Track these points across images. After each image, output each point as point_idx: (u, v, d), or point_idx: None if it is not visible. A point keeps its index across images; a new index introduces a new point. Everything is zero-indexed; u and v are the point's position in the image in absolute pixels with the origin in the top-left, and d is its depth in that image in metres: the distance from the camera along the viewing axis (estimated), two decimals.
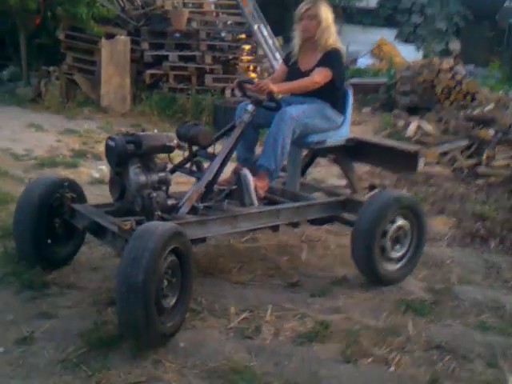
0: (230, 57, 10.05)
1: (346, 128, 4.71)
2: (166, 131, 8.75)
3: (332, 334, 3.59)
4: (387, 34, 18.36)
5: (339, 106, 4.62)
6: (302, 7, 4.50)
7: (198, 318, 3.65)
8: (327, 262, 4.72)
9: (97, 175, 6.58)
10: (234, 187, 4.02)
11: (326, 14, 4.50)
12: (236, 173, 4.07)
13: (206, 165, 4.15)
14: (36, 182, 4.05)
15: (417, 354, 3.47)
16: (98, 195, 5.60)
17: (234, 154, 4.42)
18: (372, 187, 5.65)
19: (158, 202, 3.60)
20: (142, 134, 3.72)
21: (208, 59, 9.79)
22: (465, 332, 3.77)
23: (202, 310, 3.76)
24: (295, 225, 4.52)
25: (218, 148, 4.18)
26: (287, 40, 14.99)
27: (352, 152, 4.84)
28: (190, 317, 3.59)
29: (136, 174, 3.63)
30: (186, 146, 4.18)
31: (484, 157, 7.57)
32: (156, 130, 8.85)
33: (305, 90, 4.40)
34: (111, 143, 3.62)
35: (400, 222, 4.27)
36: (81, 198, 4.07)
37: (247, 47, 10.14)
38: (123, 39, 9.77)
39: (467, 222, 5.81)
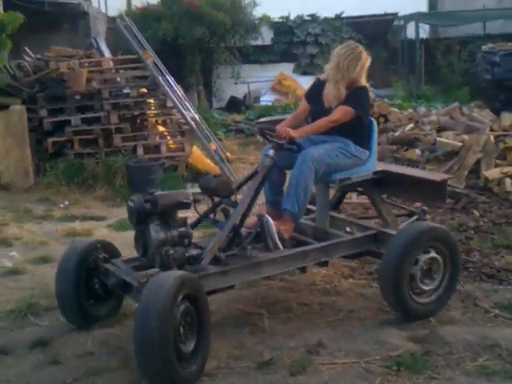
0: (137, 113, 9.46)
1: (373, 161, 4.66)
2: (77, 202, 8.16)
3: None
4: (285, 69, 18.30)
5: (364, 141, 4.57)
6: (366, 63, 4.51)
7: None
8: (293, 326, 4.19)
9: (9, 264, 5.67)
10: (259, 231, 4.07)
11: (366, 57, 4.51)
12: (259, 219, 4.11)
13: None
14: (72, 247, 4.25)
15: None
16: (13, 288, 4.90)
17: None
18: (411, 214, 5.25)
19: (175, 258, 3.74)
20: (158, 193, 3.84)
21: (114, 119, 9.14)
22: (472, 382, 3.35)
23: None
24: (323, 264, 4.47)
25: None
26: (186, 89, 14.74)
27: (380, 184, 4.77)
28: None
29: (156, 232, 3.78)
30: (207, 198, 4.36)
31: None
32: (67, 202, 8.18)
33: (324, 129, 4.39)
34: (130, 204, 3.82)
35: (432, 254, 4.17)
36: (115, 255, 4.21)
37: (153, 101, 9.57)
38: (18, 109, 9.02)
39: None
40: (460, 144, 8.30)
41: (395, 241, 4.16)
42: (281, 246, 4.08)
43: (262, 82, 17.82)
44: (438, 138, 8.75)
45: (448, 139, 8.88)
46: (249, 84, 17.70)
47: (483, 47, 12.32)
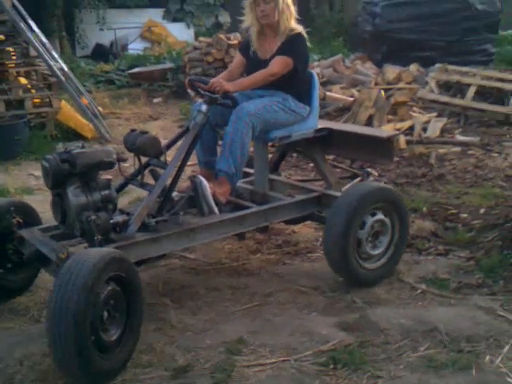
0: None
1: (314, 119, 4.32)
2: None
3: None
4: (154, 14, 17.31)
5: (304, 95, 4.21)
6: None
7: None
8: (205, 318, 3.62)
9: None
10: (192, 194, 3.75)
11: None
12: (191, 181, 3.79)
13: None
14: None
15: None
16: None
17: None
18: (354, 176, 4.94)
19: (99, 225, 3.27)
20: (76, 151, 3.37)
21: None
22: (421, 380, 2.96)
23: None
24: (263, 230, 4.22)
25: None
26: (47, 34, 13.42)
27: (322, 144, 4.44)
28: None
29: (75, 195, 3.39)
30: (132, 157, 3.82)
31: None
32: None
33: (263, 83, 3.99)
34: (45, 164, 3.38)
35: (379, 216, 3.93)
36: (34, 220, 3.80)
37: (13, 50, 8.33)
38: None
39: None
40: (351, 99, 8.00)
41: (340, 202, 3.87)
42: (216, 211, 3.76)
43: (129, 29, 16.71)
44: (327, 93, 8.39)
45: (336, 94, 8.57)
46: (115, 30, 16.53)
47: None
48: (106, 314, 2.95)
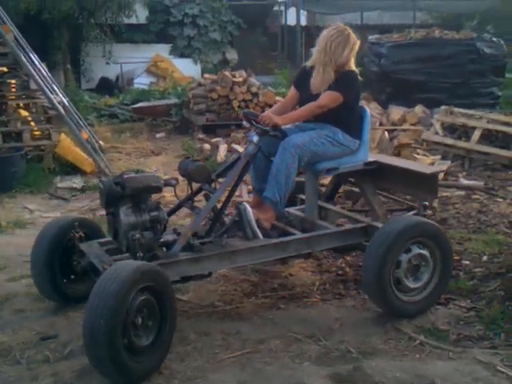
0: None
1: (364, 152, 4.45)
2: None
3: None
4: (161, 50, 17.40)
5: (354, 129, 4.37)
6: (355, 47, 4.28)
7: None
8: (194, 365, 3.45)
9: None
10: (237, 219, 4.00)
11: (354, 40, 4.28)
12: (236, 207, 4.05)
13: None
14: (51, 223, 4.25)
15: None
16: None
17: None
18: (411, 208, 5.00)
19: (142, 243, 3.63)
20: (126, 175, 3.80)
21: None
22: None
23: None
24: (307, 256, 4.41)
25: None
26: (52, 66, 13.47)
27: (372, 176, 4.55)
28: None
29: (126, 215, 3.72)
30: (186, 182, 4.18)
31: None
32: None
33: (311, 115, 4.27)
34: (100, 185, 3.78)
35: (420, 250, 3.97)
36: (96, 234, 4.20)
37: (14, 82, 8.29)
38: None
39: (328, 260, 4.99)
40: None
41: (378, 233, 3.95)
42: (260, 236, 3.99)
43: (136, 63, 16.79)
44: None
45: None
46: (121, 64, 16.60)
47: (370, 38, 12.05)
48: (139, 320, 3.22)
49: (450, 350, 3.62)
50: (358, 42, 4.32)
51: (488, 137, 8.71)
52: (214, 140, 9.48)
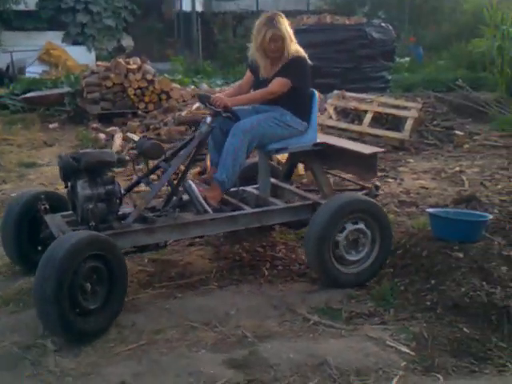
0: None
1: (313, 133, 4.70)
2: None
3: None
4: (54, 37, 16.78)
5: (302, 112, 4.63)
6: (266, 35, 4.40)
7: None
8: (87, 361, 3.38)
9: None
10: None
11: (286, 27, 4.47)
12: (183, 184, 4.30)
13: None
14: (18, 195, 4.69)
15: None
16: None
17: None
18: (363, 189, 5.08)
19: (95, 214, 3.87)
20: (82, 151, 4.15)
21: None
22: None
23: None
24: (259, 229, 4.71)
25: None
26: None
27: (320, 157, 4.80)
28: None
29: (82, 188, 3.96)
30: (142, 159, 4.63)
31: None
32: None
33: (261, 100, 4.57)
34: (58, 160, 4.06)
35: (359, 225, 4.24)
36: (61, 206, 4.40)
37: None
38: None
39: (226, 247, 5.00)
40: None
41: (322, 208, 4.24)
42: (209, 210, 4.24)
43: (27, 52, 16.13)
44: None
45: None
46: (12, 53, 15.91)
47: None
48: (88, 284, 3.49)
49: (342, 328, 3.72)
50: (274, 30, 4.40)
51: (379, 120, 9.01)
52: (109, 129, 9.29)
